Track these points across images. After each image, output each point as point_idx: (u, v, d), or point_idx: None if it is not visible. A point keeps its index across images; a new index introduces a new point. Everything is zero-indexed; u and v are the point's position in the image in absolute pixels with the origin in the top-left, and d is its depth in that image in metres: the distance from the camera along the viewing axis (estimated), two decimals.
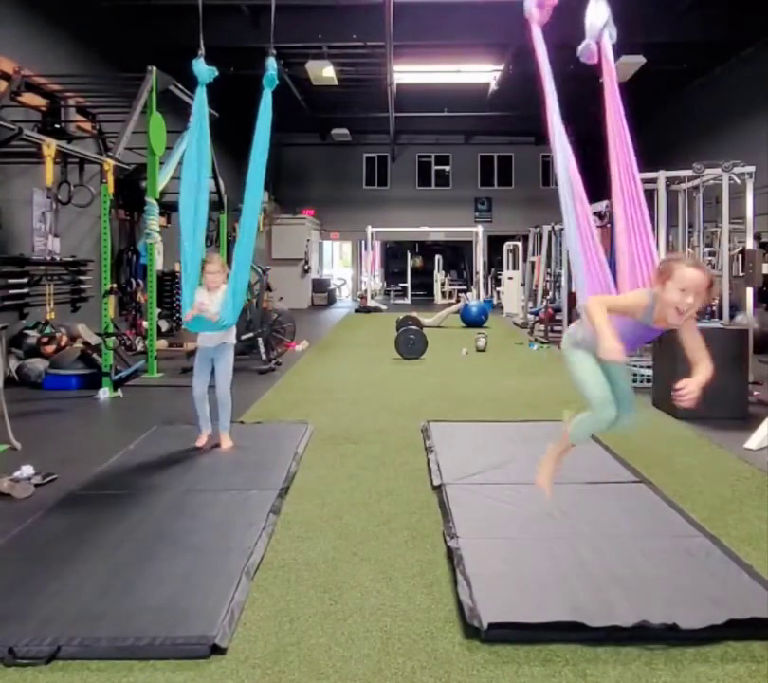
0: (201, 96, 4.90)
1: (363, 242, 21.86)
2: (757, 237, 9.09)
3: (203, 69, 4.82)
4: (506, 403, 6.63)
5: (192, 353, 8.97)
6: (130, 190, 9.97)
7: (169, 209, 11.92)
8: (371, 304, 18.98)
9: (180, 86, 8.86)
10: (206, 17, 5.19)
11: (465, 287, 21.88)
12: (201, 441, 4.87)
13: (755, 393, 6.42)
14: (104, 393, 6.80)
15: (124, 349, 9.10)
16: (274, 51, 5.01)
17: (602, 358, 2.55)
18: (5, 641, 2.33)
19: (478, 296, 17.30)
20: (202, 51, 4.85)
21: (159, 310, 10.60)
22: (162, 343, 10.11)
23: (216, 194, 11.03)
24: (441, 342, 10.90)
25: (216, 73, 4.89)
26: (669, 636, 2.40)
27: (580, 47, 3.68)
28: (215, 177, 10.85)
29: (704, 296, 2.64)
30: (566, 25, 3.79)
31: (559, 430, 3.02)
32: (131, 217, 11.48)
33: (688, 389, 2.79)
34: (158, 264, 8.30)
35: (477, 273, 18.98)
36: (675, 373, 5.94)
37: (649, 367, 7.04)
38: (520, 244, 17.97)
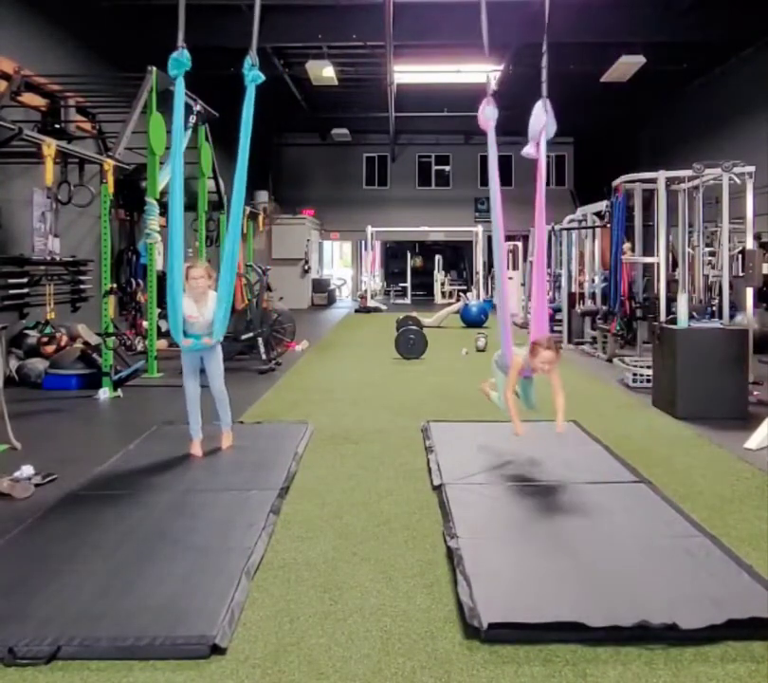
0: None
1: (363, 242, 21.86)
2: (757, 237, 9.08)
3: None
4: None
5: None
6: (130, 190, 9.97)
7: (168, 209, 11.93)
8: (371, 304, 18.98)
9: None
10: (206, 17, 5.18)
11: (465, 287, 21.88)
12: (195, 448, 4.70)
13: (755, 393, 6.42)
14: (104, 393, 6.80)
15: (124, 349, 9.10)
16: (255, 59, 4.91)
17: (514, 431, 4.40)
18: (5, 641, 2.33)
19: (478, 296, 17.29)
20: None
21: (159, 310, 10.59)
22: (162, 343, 10.10)
23: (216, 194, 11.03)
24: (441, 342, 10.90)
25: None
26: (669, 635, 2.40)
27: (523, 151, 5.01)
28: (215, 177, 10.85)
29: (555, 361, 4.21)
30: (568, 24, 3.79)
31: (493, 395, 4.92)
32: (131, 217, 11.47)
33: (558, 423, 4.28)
34: (158, 264, 8.29)
35: (477, 273, 18.96)
36: (675, 373, 5.95)
37: (648, 367, 7.04)
38: (520, 244, 17.96)
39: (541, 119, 4.95)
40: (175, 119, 4.68)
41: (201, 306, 4.53)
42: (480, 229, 19.18)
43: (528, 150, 4.91)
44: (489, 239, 21.39)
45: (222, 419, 4.89)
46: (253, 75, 4.90)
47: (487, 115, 4.99)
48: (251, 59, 4.85)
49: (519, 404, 4.55)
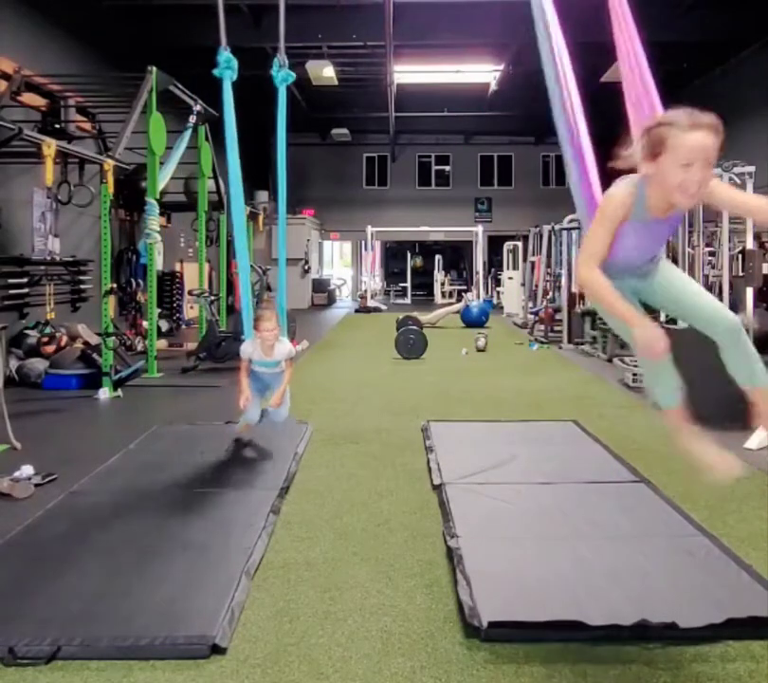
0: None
1: (363, 242, 21.85)
2: (757, 237, 9.08)
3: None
4: (506, 403, 6.63)
5: (192, 353, 9.00)
6: (130, 190, 9.97)
7: (169, 209, 11.96)
8: (371, 304, 18.98)
9: (180, 86, 8.87)
10: (206, 17, 5.20)
11: (465, 287, 21.89)
12: (243, 429, 4.93)
13: None
14: (104, 393, 6.80)
15: (124, 349, 9.10)
16: (285, 59, 4.81)
17: (645, 352, 2.07)
18: (5, 641, 2.33)
19: (478, 296, 17.30)
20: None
21: (159, 310, 10.60)
22: (162, 343, 10.11)
23: (216, 194, 11.04)
24: (441, 342, 10.90)
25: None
26: (669, 635, 2.40)
27: None
28: (215, 177, 10.86)
29: (715, 159, 1.91)
30: (567, 24, 3.79)
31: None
32: (131, 217, 11.48)
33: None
34: (158, 264, 8.29)
35: (477, 273, 18.98)
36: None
37: None
38: (520, 244, 17.97)
39: None
40: (227, 128, 4.55)
41: (269, 353, 4.48)
42: (480, 229, 19.18)
43: None
44: (490, 239, 21.48)
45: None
46: (283, 75, 4.81)
47: None
48: (280, 60, 4.79)
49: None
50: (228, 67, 4.58)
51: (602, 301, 1.90)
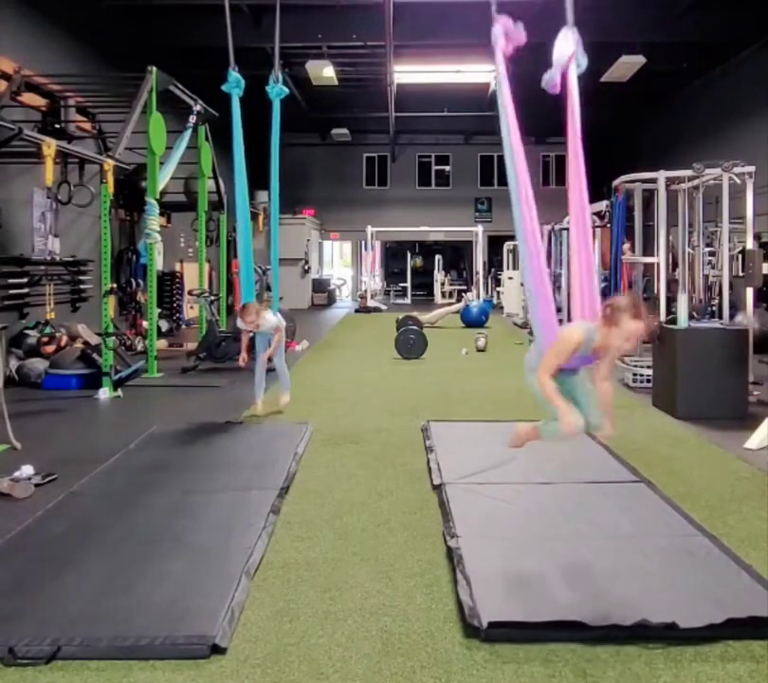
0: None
1: (363, 242, 21.85)
2: (757, 237, 9.08)
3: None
4: (506, 403, 6.63)
5: (192, 353, 9.00)
6: (130, 190, 9.97)
7: (169, 209, 11.96)
8: (371, 304, 18.98)
9: (180, 86, 8.87)
10: (206, 17, 5.23)
11: (465, 287, 21.88)
12: (255, 407, 6.03)
13: (755, 393, 6.42)
14: (104, 393, 6.80)
15: (124, 349, 9.10)
16: (279, 76, 5.59)
17: (564, 431, 2.88)
18: (5, 641, 2.33)
19: (478, 296, 17.30)
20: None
21: (159, 310, 10.60)
22: (162, 343, 10.11)
23: (216, 194, 11.04)
24: (441, 342, 10.90)
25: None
26: (669, 635, 2.40)
27: (545, 78, 3.58)
28: (215, 177, 10.86)
29: (639, 338, 2.99)
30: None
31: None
32: (131, 217, 11.48)
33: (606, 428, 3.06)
34: (158, 264, 8.29)
35: (477, 273, 18.97)
36: (675, 373, 5.95)
37: (648, 367, 7.04)
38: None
39: (571, 42, 3.67)
40: (236, 143, 5.54)
41: (257, 327, 5.71)
42: (480, 229, 19.18)
43: (550, 77, 3.55)
44: (489, 239, 21.48)
45: (283, 384, 6.16)
46: (278, 90, 5.57)
47: (500, 34, 3.60)
48: (274, 77, 5.48)
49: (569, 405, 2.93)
50: (236, 86, 5.22)
51: (547, 396, 2.88)
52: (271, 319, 5.73)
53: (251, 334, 5.95)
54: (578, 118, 3.59)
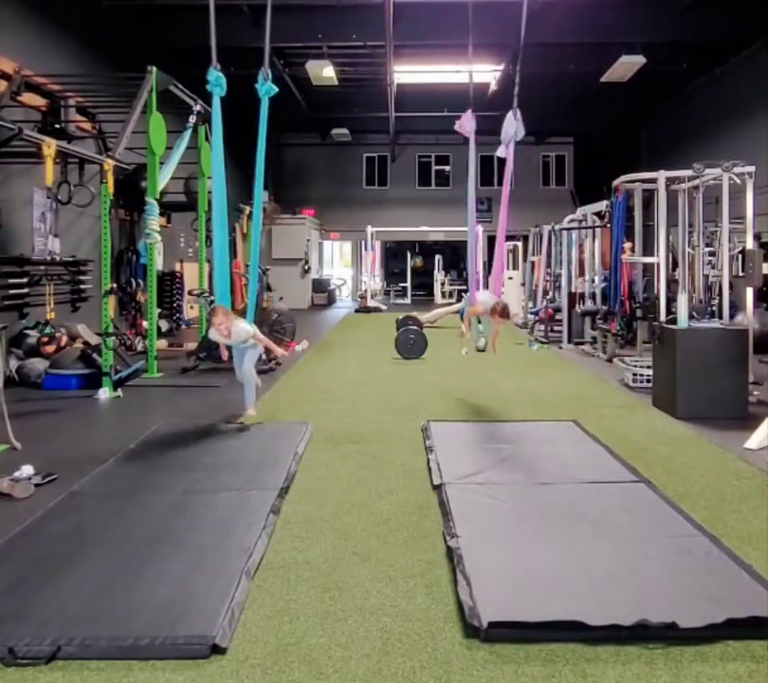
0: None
1: (363, 242, 21.85)
2: (757, 237, 9.08)
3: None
4: (506, 403, 6.63)
5: (192, 353, 9.00)
6: (130, 190, 9.97)
7: (169, 209, 11.96)
8: (371, 304, 18.98)
9: (180, 86, 8.87)
10: (206, 17, 5.23)
11: (465, 287, 21.86)
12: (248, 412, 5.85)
13: (755, 393, 6.42)
14: (104, 393, 6.80)
15: (124, 349, 9.10)
16: (268, 73, 5.37)
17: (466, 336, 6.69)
18: (5, 641, 2.33)
19: (493, 346, 17.26)
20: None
21: (159, 310, 10.61)
22: (162, 343, 10.11)
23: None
24: (441, 342, 10.90)
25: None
26: (669, 635, 2.40)
27: (499, 151, 6.29)
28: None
29: (503, 322, 6.15)
30: (567, 24, 3.78)
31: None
32: (131, 217, 11.48)
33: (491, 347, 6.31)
34: (158, 264, 8.29)
35: (477, 273, 18.95)
36: (675, 373, 5.95)
37: (648, 367, 7.04)
38: (520, 244, 17.97)
39: (512, 126, 6.22)
40: (214, 141, 5.34)
41: (228, 337, 5.37)
42: (480, 229, 19.16)
43: (500, 151, 6.34)
44: (490, 239, 21.45)
45: (246, 397, 5.84)
46: (267, 88, 5.37)
47: (469, 127, 6.52)
48: (264, 74, 5.32)
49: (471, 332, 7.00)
50: (217, 85, 5.11)
51: (466, 323, 6.68)
52: (245, 328, 5.38)
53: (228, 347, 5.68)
54: (508, 179, 6.25)
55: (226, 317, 5.27)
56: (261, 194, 5.60)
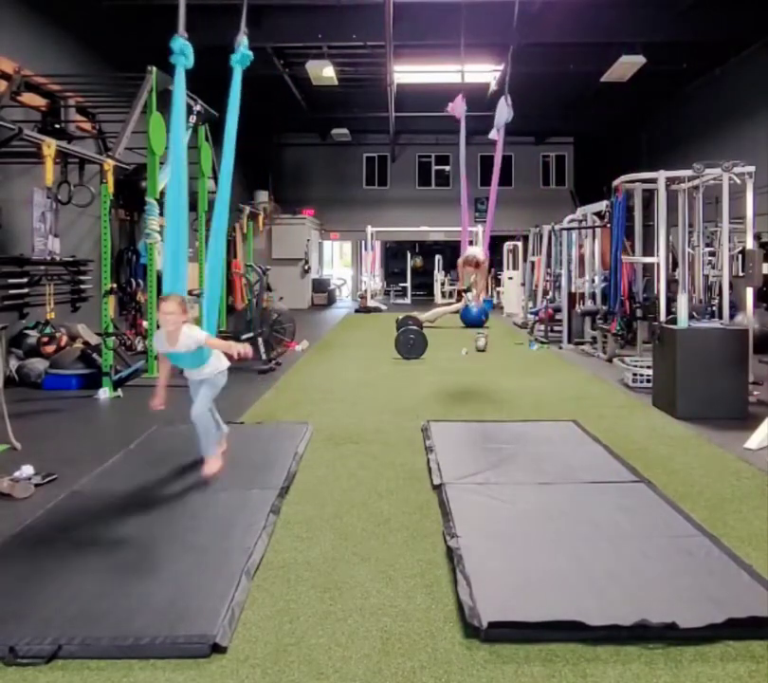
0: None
1: (363, 242, 21.85)
2: (757, 237, 9.08)
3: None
4: (506, 403, 6.63)
5: None
6: (130, 190, 9.96)
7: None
8: (371, 304, 18.97)
9: None
10: (206, 17, 5.19)
11: (465, 287, 21.86)
12: (212, 467, 4.22)
13: (755, 393, 6.42)
14: (104, 393, 6.81)
15: (124, 349, 9.10)
16: (246, 30, 4.69)
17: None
18: (6, 641, 2.34)
19: (477, 296, 17.26)
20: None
21: None
22: None
23: (216, 195, 11.03)
24: (441, 342, 10.90)
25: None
26: (669, 635, 2.41)
27: (491, 134, 7.34)
28: (215, 177, 10.85)
29: (474, 272, 6.87)
30: (568, 24, 3.79)
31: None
32: (131, 217, 11.48)
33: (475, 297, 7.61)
34: (158, 264, 8.29)
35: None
36: (675, 373, 5.96)
37: (648, 367, 7.04)
38: (520, 244, 17.97)
39: (505, 111, 7.17)
40: (174, 113, 4.63)
41: (173, 342, 4.00)
42: (480, 228, 19.17)
43: (492, 134, 7.42)
44: (490, 239, 21.45)
45: (202, 447, 4.27)
46: (241, 56, 4.56)
47: (460, 109, 7.26)
48: (238, 41, 4.59)
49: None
50: (182, 54, 4.48)
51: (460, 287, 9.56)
52: (195, 335, 4.01)
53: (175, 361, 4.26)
54: (499, 161, 7.30)
55: (181, 310, 3.95)
56: (230, 171, 4.77)
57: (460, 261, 7.08)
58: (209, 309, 4.38)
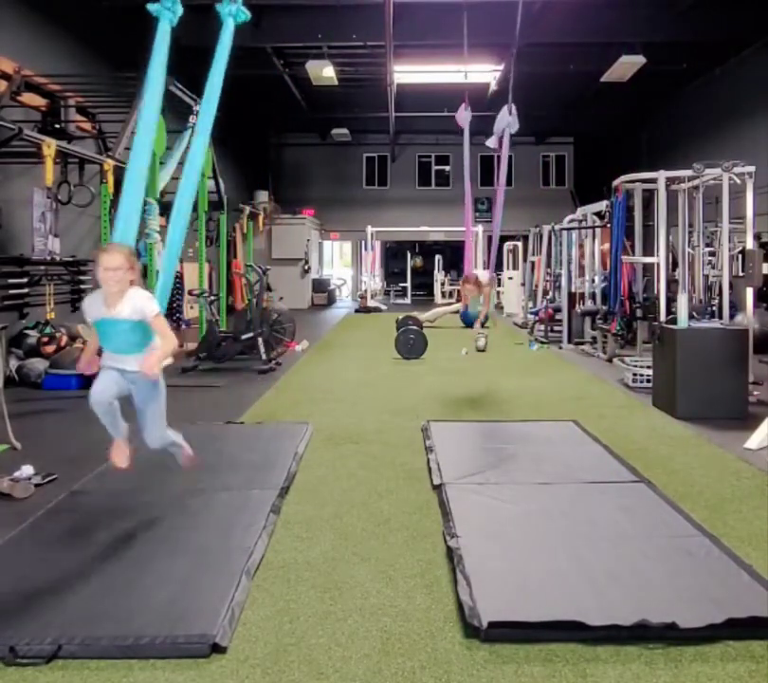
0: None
1: (363, 242, 21.86)
2: (757, 237, 9.08)
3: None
4: (506, 403, 6.63)
5: (192, 353, 8.99)
6: None
7: (169, 209, 11.94)
8: (371, 304, 18.97)
9: (180, 86, 8.87)
10: (206, 17, 5.20)
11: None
12: (118, 453, 3.50)
13: (755, 393, 6.42)
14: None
15: None
16: None
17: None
18: (6, 641, 2.34)
19: (480, 318, 17.27)
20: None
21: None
22: None
23: (216, 194, 11.04)
24: (441, 342, 10.90)
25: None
26: (669, 635, 2.40)
27: (489, 142, 6.59)
28: (215, 177, 10.86)
29: (474, 290, 6.64)
30: (567, 24, 3.78)
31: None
32: None
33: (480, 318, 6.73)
34: (158, 264, 8.29)
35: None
36: (675, 373, 5.95)
37: (648, 367, 7.04)
38: (520, 244, 17.97)
39: (506, 117, 6.49)
40: (150, 79, 3.84)
41: (112, 310, 3.17)
42: (480, 228, 19.16)
43: (490, 141, 6.65)
44: (490, 239, 21.48)
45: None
46: (233, 8, 3.93)
47: (464, 117, 6.83)
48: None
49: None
50: (167, 8, 3.79)
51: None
52: (147, 303, 3.22)
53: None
54: (504, 167, 6.59)
55: (128, 265, 3.13)
56: (212, 115, 3.97)
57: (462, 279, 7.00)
58: (164, 283, 3.75)
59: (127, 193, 3.68)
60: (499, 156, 6.55)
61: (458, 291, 21.23)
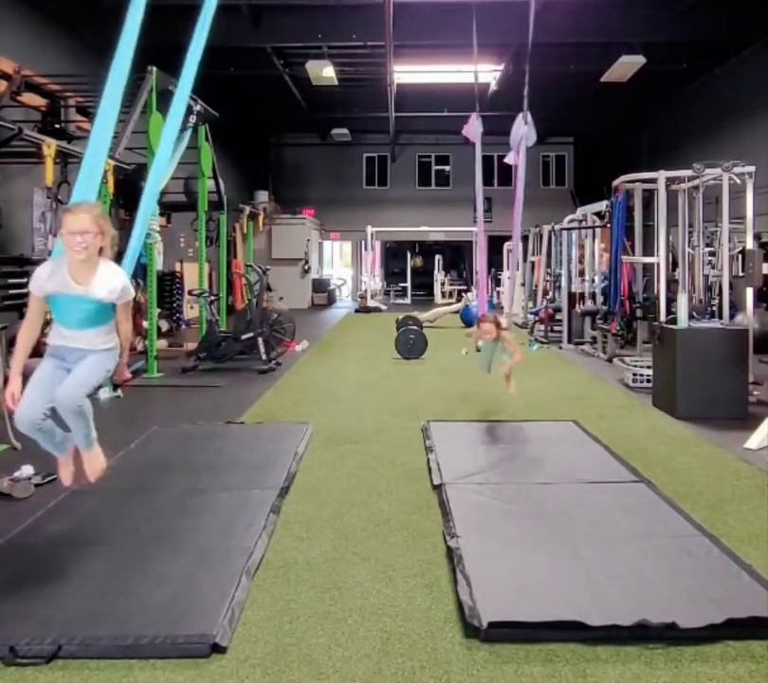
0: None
1: (363, 242, 21.85)
2: (757, 237, 9.08)
3: None
4: (506, 403, 6.63)
5: (192, 353, 8.99)
6: (130, 190, 9.96)
7: (169, 209, 11.95)
8: (371, 304, 18.97)
9: None
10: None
11: (465, 287, 21.88)
12: (65, 473, 3.12)
13: (755, 393, 6.42)
14: (104, 393, 6.80)
15: None
16: None
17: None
18: (6, 641, 2.34)
19: (477, 296, 17.27)
20: None
21: (159, 310, 10.60)
22: (162, 343, 10.11)
23: (216, 194, 11.04)
24: (441, 342, 10.90)
25: None
26: (669, 635, 2.40)
27: (508, 158, 5.93)
28: (215, 177, 10.86)
29: (492, 332, 5.61)
30: (567, 24, 3.78)
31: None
32: (131, 217, 11.45)
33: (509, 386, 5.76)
34: (158, 264, 8.30)
35: (477, 273, 18.96)
36: (675, 373, 5.95)
37: (648, 367, 7.04)
38: (519, 244, 17.93)
39: (522, 129, 5.78)
40: (122, 42, 3.43)
41: (83, 279, 2.78)
42: (483, 235, 19.18)
43: (509, 158, 5.94)
44: (489, 239, 21.46)
45: (75, 437, 3.05)
46: None
47: (475, 130, 6.19)
48: None
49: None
50: None
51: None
52: (120, 281, 2.86)
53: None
54: (521, 183, 5.85)
55: (97, 229, 2.79)
56: (192, 78, 3.77)
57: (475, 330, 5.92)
58: (131, 256, 3.39)
59: (91, 147, 3.25)
60: (516, 166, 5.88)
61: (458, 292, 21.33)
